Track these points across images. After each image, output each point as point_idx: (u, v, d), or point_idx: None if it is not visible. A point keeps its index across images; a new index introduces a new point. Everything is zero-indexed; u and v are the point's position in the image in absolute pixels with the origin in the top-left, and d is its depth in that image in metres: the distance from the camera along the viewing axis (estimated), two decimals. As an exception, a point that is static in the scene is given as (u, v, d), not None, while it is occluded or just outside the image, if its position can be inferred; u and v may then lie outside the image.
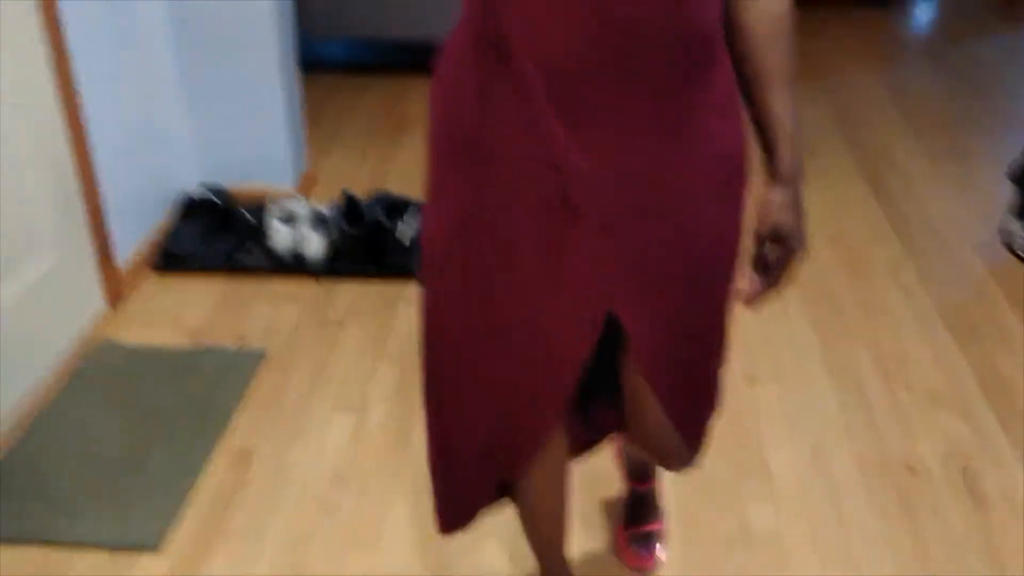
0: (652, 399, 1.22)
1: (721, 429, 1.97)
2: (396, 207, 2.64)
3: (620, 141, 1.07)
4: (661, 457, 1.33)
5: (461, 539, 1.70)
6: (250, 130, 2.81)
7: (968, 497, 1.80)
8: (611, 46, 1.01)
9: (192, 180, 2.82)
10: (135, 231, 2.53)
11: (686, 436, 1.27)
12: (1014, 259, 2.58)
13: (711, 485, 1.83)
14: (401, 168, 3.13)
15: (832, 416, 2.01)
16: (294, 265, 2.57)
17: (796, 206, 1.14)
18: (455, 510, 1.35)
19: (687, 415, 1.26)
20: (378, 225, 2.55)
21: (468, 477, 1.32)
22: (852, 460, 1.89)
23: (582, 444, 1.44)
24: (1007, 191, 2.71)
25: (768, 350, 2.22)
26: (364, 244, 2.56)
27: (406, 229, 2.58)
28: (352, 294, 2.47)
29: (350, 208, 2.62)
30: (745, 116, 1.15)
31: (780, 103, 1.11)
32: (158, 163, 2.66)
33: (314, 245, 2.55)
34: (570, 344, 1.17)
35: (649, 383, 1.21)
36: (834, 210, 2.84)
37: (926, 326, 2.30)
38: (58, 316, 2.17)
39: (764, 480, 1.85)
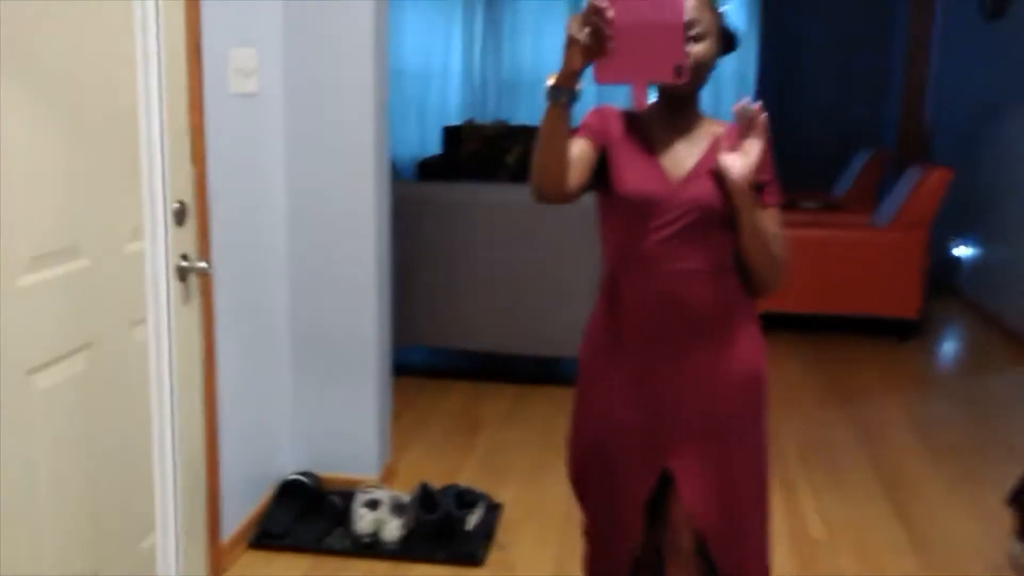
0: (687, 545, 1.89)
1: None
2: (465, 499, 3.04)
3: (681, 364, 1.82)
4: None
5: None
6: (344, 426, 3.29)
7: None
8: (672, 310, 1.80)
9: (289, 467, 3.27)
10: (239, 509, 2.93)
11: None
12: (1020, 578, 2.83)
13: None
14: (473, 465, 3.56)
15: None
16: (373, 547, 2.93)
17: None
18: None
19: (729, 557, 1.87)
20: (449, 515, 2.93)
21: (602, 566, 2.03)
22: None
23: None
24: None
25: (793, 648, 2.47)
26: (436, 530, 2.93)
27: (473, 519, 2.95)
28: (422, 577, 2.81)
29: (425, 497, 3.02)
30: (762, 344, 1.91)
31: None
32: (263, 453, 3.12)
33: (392, 529, 2.93)
34: (639, 491, 1.89)
35: (696, 523, 1.85)
36: (855, 524, 3.16)
37: (939, 634, 2.53)
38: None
39: None
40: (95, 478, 2.12)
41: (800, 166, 7.97)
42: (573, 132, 1.77)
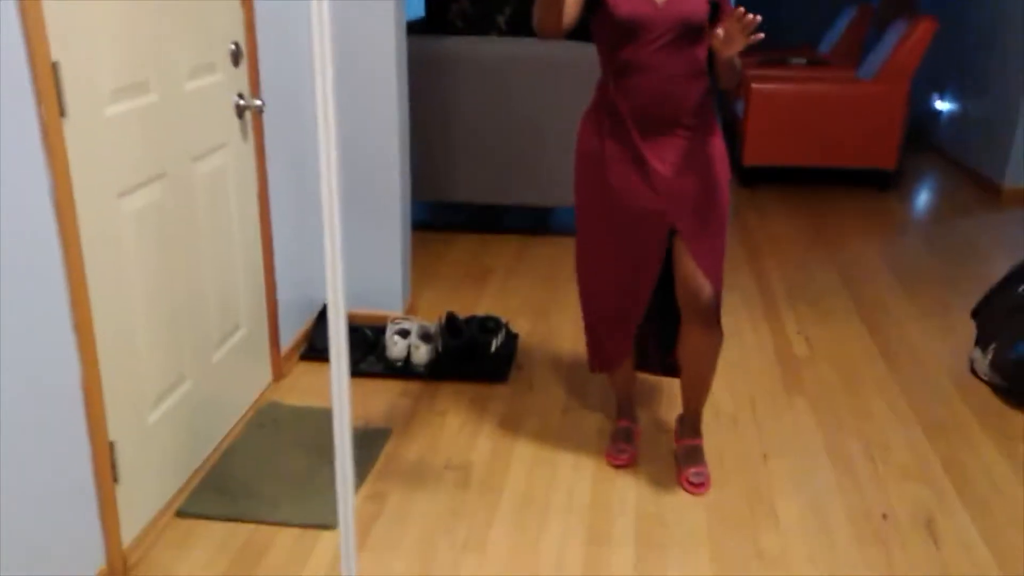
0: (690, 260, 2.39)
1: (740, 488, 2.60)
2: (488, 326, 3.37)
3: (669, 145, 2.33)
4: (694, 293, 2.41)
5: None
6: (372, 266, 3.59)
7: (928, 537, 2.39)
8: (660, 103, 2.29)
9: (326, 299, 3.59)
10: (291, 328, 3.29)
11: (709, 277, 2.39)
12: (977, 380, 3.23)
13: (733, 522, 2.44)
14: (484, 305, 3.89)
15: (827, 482, 2.63)
16: (405, 369, 3.27)
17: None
18: (597, 358, 2.68)
19: (709, 264, 2.40)
20: (474, 339, 3.27)
21: (601, 338, 2.62)
22: (842, 510, 2.50)
23: (638, 365, 2.77)
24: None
25: (780, 438, 2.86)
26: (462, 353, 3.27)
27: (496, 343, 3.29)
28: (452, 393, 3.15)
29: (451, 325, 3.35)
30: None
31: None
32: (309, 283, 3.43)
33: (422, 353, 3.27)
34: (652, 253, 2.43)
35: (689, 250, 2.38)
36: (835, 343, 3.53)
37: (904, 425, 2.93)
38: (244, 377, 2.90)
39: (773, 522, 2.45)
40: (173, 296, 2.41)
41: (788, 23, 8.09)
42: None
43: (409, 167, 3.63)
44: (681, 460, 2.66)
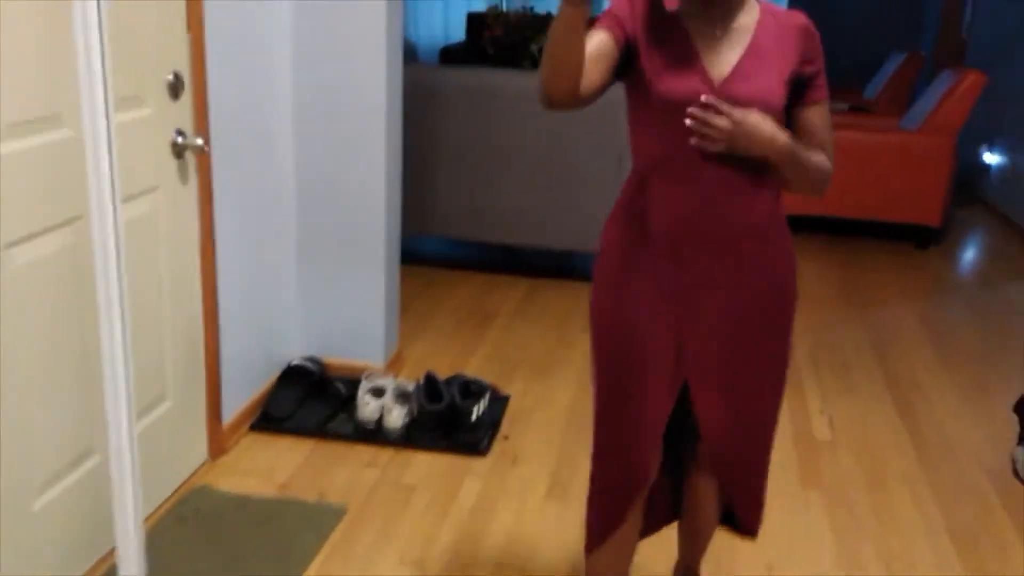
0: (709, 479, 1.88)
1: (736, 605, 2.24)
2: (471, 390, 3.05)
3: (707, 273, 1.69)
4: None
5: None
6: (351, 312, 3.27)
7: None
8: (706, 219, 1.66)
9: (295, 352, 3.28)
10: (241, 393, 2.93)
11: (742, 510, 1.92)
12: (1020, 483, 2.83)
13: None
14: (480, 356, 3.57)
15: (838, 605, 2.26)
16: (376, 433, 2.95)
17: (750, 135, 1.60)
18: (597, 531, 1.91)
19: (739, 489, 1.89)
20: (453, 404, 2.94)
21: (607, 506, 1.88)
22: (852, 644, 2.13)
23: (646, 527, 2.02)
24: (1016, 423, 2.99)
25: (788, 543, 2.49)
26: (439, 420, 2.95)
27: (477, 410, 2.97)
28: (424, 464, 2.83)
29: (430, 387, 3.02)
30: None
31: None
32: (268, 336, 3.10)
33: (396, 417, 2.95)
34: (661, 405, 1.77)
35: (709, 450, 1.82)
36: (860, 424, 3.15)
37: (931, 533, 2.55)
38: (166, 459, 2.52)
39: (772, 654, 2.09)
40: (86, 355, 2.10)
41: (833, 66, 7.72)
42: (591, 23, 1.61)
43: (399, 203, 3.33)
44: None
